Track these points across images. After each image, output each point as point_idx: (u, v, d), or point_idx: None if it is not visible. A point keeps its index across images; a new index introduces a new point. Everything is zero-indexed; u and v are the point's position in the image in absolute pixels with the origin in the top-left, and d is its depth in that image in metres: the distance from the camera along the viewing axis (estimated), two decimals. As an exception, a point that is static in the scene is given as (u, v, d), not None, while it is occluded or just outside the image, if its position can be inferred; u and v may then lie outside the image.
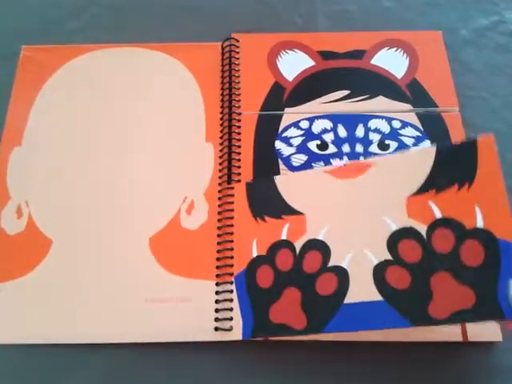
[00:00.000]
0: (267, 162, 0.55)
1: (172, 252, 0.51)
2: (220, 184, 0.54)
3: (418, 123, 0.57)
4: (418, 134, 0.56)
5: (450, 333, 0.47)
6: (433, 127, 0.57)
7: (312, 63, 0.61)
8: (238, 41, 0.62)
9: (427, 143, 0.56)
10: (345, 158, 0.55)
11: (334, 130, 0.56)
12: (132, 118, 0.58)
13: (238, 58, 0.61)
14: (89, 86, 0.60)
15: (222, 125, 0.57)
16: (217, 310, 0.48)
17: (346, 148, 0.55)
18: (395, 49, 0.62)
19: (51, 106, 0.59)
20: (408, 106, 0.58)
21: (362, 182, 0.48)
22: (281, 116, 0.58)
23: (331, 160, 0.55)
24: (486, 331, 0.47)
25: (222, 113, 0.58)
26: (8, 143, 0.57)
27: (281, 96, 0.59)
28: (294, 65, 0.61)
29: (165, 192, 0.54)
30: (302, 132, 0.57)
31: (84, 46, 0.63)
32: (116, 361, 0.47)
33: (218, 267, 0.50)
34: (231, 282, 0.49)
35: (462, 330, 0.46)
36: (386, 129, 0.57)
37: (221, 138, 0.56)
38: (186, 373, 0.46)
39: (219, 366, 0.47)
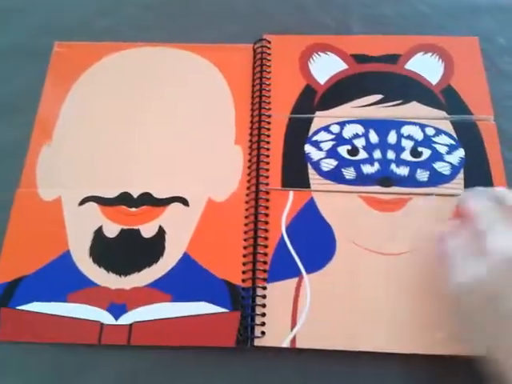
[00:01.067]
0: (296, 166, 0.54)
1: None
2: (248, 188, 0.53)
3: (451, 131, 0.55)
4: (452, 142, 0.55)
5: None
6: (467, 136, 0.55)
7: (345, 66, 0.60)
8: (269, 42, 0.61)
9: (461, 152, 0.54)
10: (376, 164, 0.54)
11: (366, 135, 0.55)
12: (162, 118, 0.58)
13: (269, 60, 0.60)
14: (120, 85, 0.60)
15: (251, 127, 0.56)
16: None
17: (377, 154, 0.54)
18: (430, 54, 0.60)
19: (82, 103, 0.59)
20: (442, 113, 0.56)
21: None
22: (311, 119, 0.57)
23: (361, 166, 0.53)
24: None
25: (252, 115, 0.57)
26: (38, 140, 0.57)
27: (312, 99, 0.58)
28: (326, 68, 0.60)
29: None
30: (333, 136, 0.55)
31: (116, 45, 0.63)
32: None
33: (243, 272, 0.49)
34: (264, 288, 0.48)
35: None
36: (419, 136, 0.55)
37: (250, 141, 0.55)
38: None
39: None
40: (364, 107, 0.57)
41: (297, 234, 0.50)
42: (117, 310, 0.48)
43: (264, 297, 0.48)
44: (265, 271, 0.49)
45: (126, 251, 0.51)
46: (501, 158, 0.54)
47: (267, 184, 0.53)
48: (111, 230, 0.52)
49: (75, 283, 0.49)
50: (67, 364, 0.47)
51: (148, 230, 0.51)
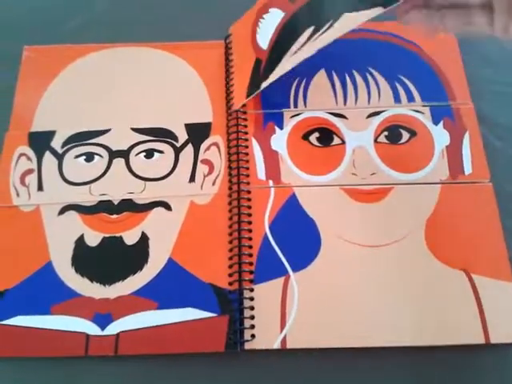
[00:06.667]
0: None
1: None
2: (230, 188, 0.50)
3: None
4: None
5: (473, 335, 0.43)
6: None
7: (282, 15, 0.53)
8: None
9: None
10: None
11: None
12: (138, 120, 0.54)
13: (236, 52, 0.57)
14: (93, 87, 0.57)
15: (227, 125, 0.53)
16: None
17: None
18: None
19: (56, 108, 0.56)
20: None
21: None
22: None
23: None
24: (508, 333, 0.43)
25: (228, 113, 0.54)
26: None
27: (259, 71, 0.53)
28: (268, 28, 0.54)
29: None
30: None
31: (87, 46, 0.59)
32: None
33: (230, 275, 0.46)
34: (251, 290, 0.46)
35: (483, 332, 0.43)
36: None
37: (227, 140, 0.53)
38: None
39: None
40: (300, 50, 0.49)
41: (281, 232, 0.48)
42: (102, 320, 0.45)
43: (252, 299, 0.45)
44: (251, 272, 0.46)
45: (109, 259, 0.48)
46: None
47: (248, 183, 0.50)
48: (93, 239, 0.48)
49: (59, 294, 0.46)
50: (55, 378, 0.44)
51: (131, 237, 0.48)
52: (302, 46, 0.48)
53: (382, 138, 0.51)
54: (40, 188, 0.51)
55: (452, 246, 0.47)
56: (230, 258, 0.47)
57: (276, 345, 0.43)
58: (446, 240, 0.47)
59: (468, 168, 0.50)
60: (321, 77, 0.55)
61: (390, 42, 0.57)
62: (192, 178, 0.51)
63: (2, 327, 0.45)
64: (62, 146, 0.53)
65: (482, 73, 0.55)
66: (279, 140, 0.52)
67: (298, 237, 0.48)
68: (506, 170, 0.51)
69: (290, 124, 0.53)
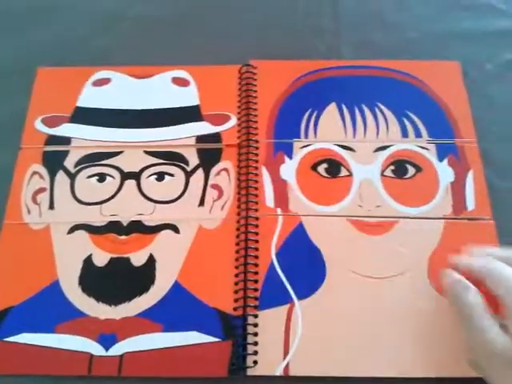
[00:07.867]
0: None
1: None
2: (238, 214, 0.51)
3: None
4: None
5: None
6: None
7: None
8: (255, 67, 0.59)
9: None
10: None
11: None
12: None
13: (255, 85, 0.58)
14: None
15: (239, 153, 0.54)
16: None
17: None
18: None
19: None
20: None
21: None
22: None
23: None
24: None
25: (239, 139, 0.55)
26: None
27: None
28: None
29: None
30: None
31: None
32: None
33: (235, 300, 0.47)
34: (255, 316, 0.46)
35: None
36: None
37: (238, 166, 0.53)
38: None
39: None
40: None
41: (287, 259, 0.48)
42: (107, 341, 0.45)
43: (256, 325, 0.45)
44: (256, 299, 0.46)
45: (115, 280, 0.48)
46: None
47: (256, 210, 0.50)
48: (101, 259, 0.49)
49: (64, 314, 0.46)
50: (57, 397, 0.44)
51: (138, 259, 0.49)
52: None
53: (388, 172, 0.52)
54: (51, 207, 0.51)
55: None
56: (236, 284, 0.47)
57: (278, 372, 0.43)
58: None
59: (471, 205, 0.51)
60: (331, 110, 0.56)
61: (398, 79, 0.57)
62: (201, 202, 0.51)
63: (7, 344, 0.45)
64: (75, 166, 0.53)
65: (487, 114, 0.56)
66: (288, 169, 0.53)
67: (304, 265, 0.48)
68: (507, 208, 0.51)
69: (299, 154, 0.53)
